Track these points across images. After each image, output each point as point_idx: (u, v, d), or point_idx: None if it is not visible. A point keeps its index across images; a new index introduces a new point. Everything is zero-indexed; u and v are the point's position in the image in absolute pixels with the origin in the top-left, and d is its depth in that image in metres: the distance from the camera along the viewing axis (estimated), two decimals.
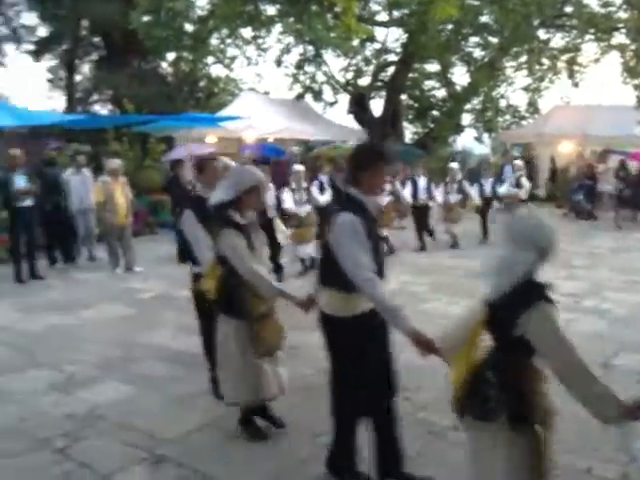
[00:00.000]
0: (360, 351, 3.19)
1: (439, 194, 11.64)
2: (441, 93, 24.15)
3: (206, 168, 4.57)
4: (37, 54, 27.78)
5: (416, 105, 25.11)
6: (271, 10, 19.34)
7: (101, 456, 3.83)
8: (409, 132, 25.53)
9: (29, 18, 38.18)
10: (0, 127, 11.51)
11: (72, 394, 4.85)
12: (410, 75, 22.30)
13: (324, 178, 10.17)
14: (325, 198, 9.63)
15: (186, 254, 5.20)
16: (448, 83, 22.77)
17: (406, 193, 11.25)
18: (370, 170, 3.14)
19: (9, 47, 28.50)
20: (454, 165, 12.44)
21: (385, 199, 10.17)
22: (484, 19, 19.59)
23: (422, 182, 11.57)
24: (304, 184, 9.50)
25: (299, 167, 10.02)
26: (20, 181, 8.79)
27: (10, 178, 8.76)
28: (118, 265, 9.64)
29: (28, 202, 8.89)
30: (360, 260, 3.00)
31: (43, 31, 27.89)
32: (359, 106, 21.71)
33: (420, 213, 11.57)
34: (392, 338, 3.33)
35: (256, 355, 3.74)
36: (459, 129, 23.13)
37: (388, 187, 10.29)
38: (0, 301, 7.85)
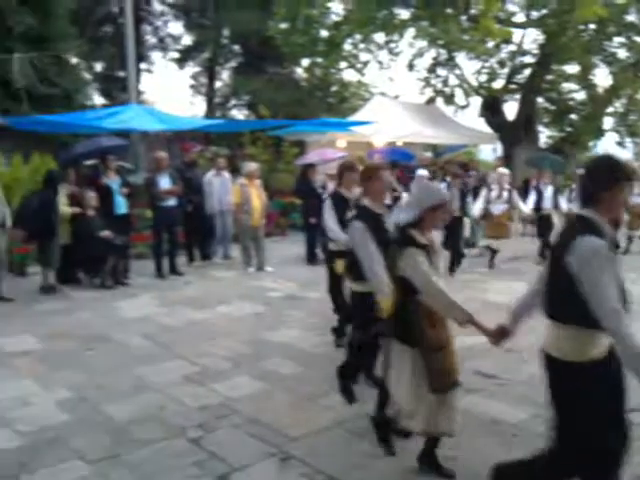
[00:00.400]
0: (590, 401, 2.72)
1: (563, 202, 11.01)
2: (580, 96, 22.97)
3: (374, 177, 4.34)
4: (181, 62, 29.48)
5: (553, 108, 24.05)
6: (405, 14, 19.30)
7: (232, 448, 3.99)
8: (543, 136, 24.51)
9: (175, 27, 40.54)
10: (147, 131, 12.34)
11: (206, 386, 5.10)
12: (547, 77, 21.40)
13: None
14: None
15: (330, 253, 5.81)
16: (589, 85, 21.62)
17: (529, 202, 10.75)
18: (611, 190, 2.73)
19: (156, 55, 30.42)
20: (581, 171, 11.75)
21: (500, 207, 9.86)
22: (631, 18, 18.41)
23: (548, 191, 10.97)
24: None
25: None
26: (164, 182, 9.38)
27: (156, 179, 9.37)
28: (251, 264, 10.02)
29: (171, 202, 9.47)
30: (608, 291, 2.57)
31: (187, 40, 29.56)
32: (491, 109, 21.13)
33: (543, 224, 10.83)
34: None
35: (430, 389, 3.45)
36: (600, 133, 21.88)
37: (505, 195, 9.97)
38: (142, 295, 8.40)
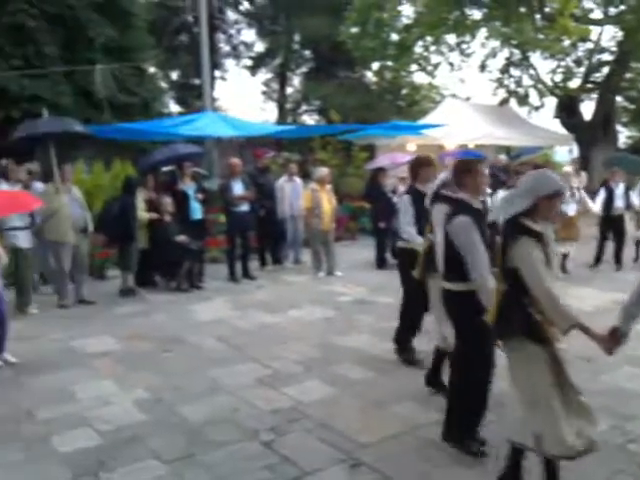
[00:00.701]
0: None
1: (636, 198, 10.48)
2: None
3: (473, 170, 4.06)
4: (254, 68, 30.01)
5: (632, 107, 23.14)
6: (477, 15, 19.01)
7: (303, 453, 4.03)
8: (622, 136, 23.63)
9: (248, 35, 41.33)
10: (221, 137, 12.62)
11: (277, 390, 5.17)
12: (626, 75, 20.60)
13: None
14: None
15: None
16: None
17: (597, 202, 10.33)
18: None
19: (229, 62, 31.10)
20: None
21: (572, 207, 9.52)
22: None
23: (620, 189, 10.39)
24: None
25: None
26: (238, 188, 9.57)
27: (229, 184, 9.57)
28: (321, 269, 10.08)
29: (244, 207, 9.64)
30: None
31: (260, 47, 30.06)
32: (567, 109, 20.52)
33: (613, 225, 10.32)
34: None
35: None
36: None
37: (576, 195, 9.64)
38: (216, 298, 8.59)
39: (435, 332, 5.00)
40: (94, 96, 16.84)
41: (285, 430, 4.38)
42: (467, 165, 4.12)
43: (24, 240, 7.47)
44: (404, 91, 25.57)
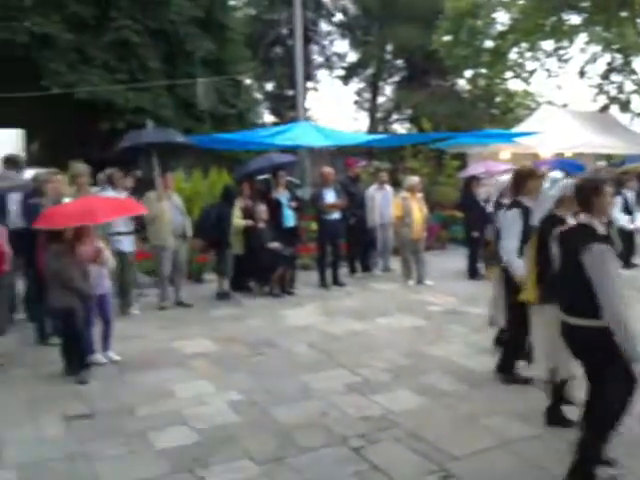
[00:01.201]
0: None
1: None
2: None
3: (600, 190, 3.69)
4: (346, 78, 30.29)
5: None
6: (575, 20, 18.41)
7: (393, 462, 4.03)
8: None
9: (341, 46, 41.81)
10: (313, 146, 12.84)
11: (367, 397, 5.19)
12: None
13: (629, 194, 9.36)
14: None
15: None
16: None
17: None
18: None
19: (322, 73, 31.57)
20: None
21: None
22: None
23: None
24: None
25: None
26: (330, 196, 9.70)
27: (321, 193, 9.72)
28: (410, 277, 10.03)
29: (336, 215, 9.76)
30: None
31: (352, 57, 30.33)
32: None
33: None
34: None
35: None
36: None
37: None
38: (306, 304, 8.72)
39: (541, 362, 4.62)
40: (193, 108, 17.55)
41: (375, 438, 4.39)
42: (593, 184, 3.70)
43: (128, 245, 7.88)
44: (498, 99, 25.08)
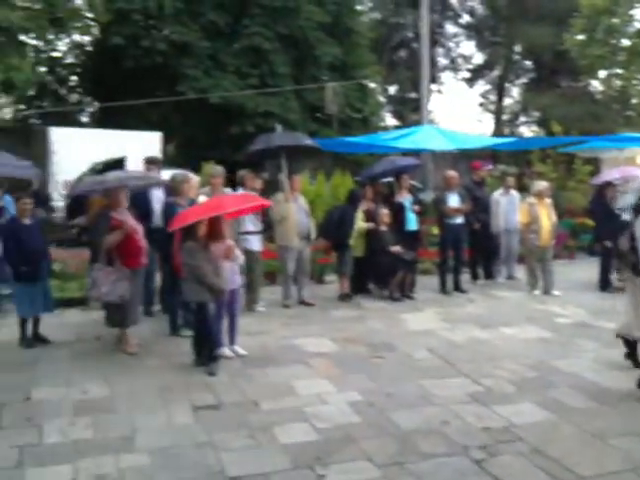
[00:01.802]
0: None
1: None
2: None
3: None
4: (471, 81, 29.70)
5: None
6: None
7: (516, 477, 3.92)
8: None
9: (467, 47, 41.06)
10: (435, 150, 12.70)
11: (489, 407, 5.07)
12: None
13: None
14: None
15: None
16: None
17: None
18: None
19: (446, 75, 31.13)
20: None
21: None
22: None
23: None
24: None
25: None
26: (453, 200, 9.55)
27: (445, 197, 9.60)
28: (537, 287, 9.67)
29: (459, 220, 9.60)
30: None
31: (478, 58, 29.69)
32: None
33: None
34: None
35: None
36: None
37: None
38: (426, 309, 8.64)
39: None
40: (318, 111, 17.88)
41: (497, 450, 4.29)
42: None
43: (256, 244, 8.17)
44: (634, 100, 23.59)
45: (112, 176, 6.55)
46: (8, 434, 4.56)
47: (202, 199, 7.16)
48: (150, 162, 8.27)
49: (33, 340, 6.68)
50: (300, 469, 4.05)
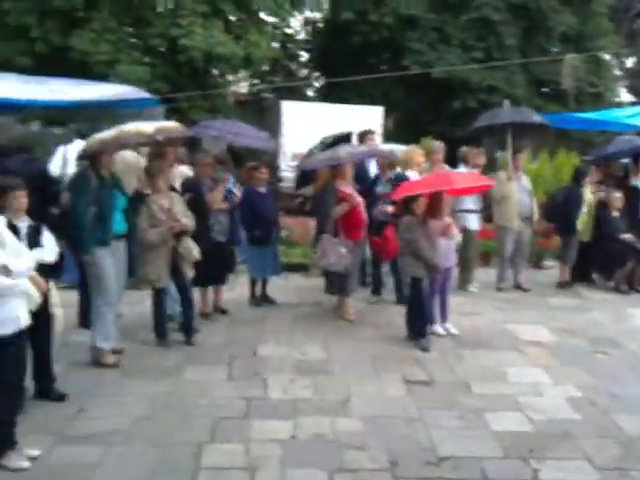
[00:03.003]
0: None
1: None
2: None
3: None
4: None
5: None
6: None
7: None
8: None
9: None
10: None
11: None
12: None
13: None
14: None
15: None
16: None
17: None
18: None
19: None
20: None
21: None
22: None
23: None
24: None
25: None
26: None
27: None
28: None
29: None
30: None
31: None
32: None
33: None
34: None
35: None
36: None
37: None
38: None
39: None
40: (546, 86, 16.91)
41: None
42: None
43: (474, 222, 7.99)
44: None
45: (344, 152, 6.73)
46: (238, 385, 5.01)
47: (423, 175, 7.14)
48: (366, 134, 8.35)
49: (261, 300, 7.23)
50: (512, 459, 3.96)
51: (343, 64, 18.92)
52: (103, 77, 11.93)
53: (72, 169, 6.94)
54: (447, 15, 18.27)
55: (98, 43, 13.00)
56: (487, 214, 8.45)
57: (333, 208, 6.47)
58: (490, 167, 8.73)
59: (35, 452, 3.83)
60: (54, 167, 7.11)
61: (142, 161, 6.06)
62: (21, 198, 4.10)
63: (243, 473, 3.73)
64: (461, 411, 4.63)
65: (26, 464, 3.72)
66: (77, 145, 7.35)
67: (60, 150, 7.38)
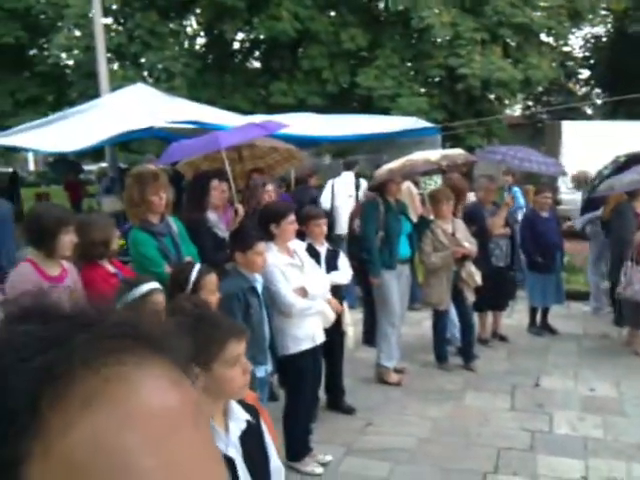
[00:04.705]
0: None
1: None
2: None
3: None
4: None
5: None
6: None
7: None
8: None
9: None
10: None
11: None
12: None
13: None
14: None
15: None
16: None
17: None
18: None
19: None
20: None
21: None
22: None
23: None
24: None
25: None
26: None
27: None
28: None
29: None
30: None
31: None
32: None
33: None
34: None
35: None
36: None
37: None
38: None
39: None
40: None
41: None
42: None
43: None
44: None
45: None
46: (521, 416, 4.84)
47: None
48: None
49: (541, 328, 6.92)
50: None
51: (633, 79, 17.32)
52: (385, 111, 12.56)
53: (341, 201, 7.46)
54: None
55: (382, 79, 13.75)
56: None
57: (631, 232, 5.96)
58: None
59: (327, 457, 4.14)
60: (324, 200, 7.67)
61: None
62: (323, 226, 4.50)
63: None
64: None
65: (319, 470, 4.03)
66: (344, 177, 7.89)
67: (329, 183, 7.90)
